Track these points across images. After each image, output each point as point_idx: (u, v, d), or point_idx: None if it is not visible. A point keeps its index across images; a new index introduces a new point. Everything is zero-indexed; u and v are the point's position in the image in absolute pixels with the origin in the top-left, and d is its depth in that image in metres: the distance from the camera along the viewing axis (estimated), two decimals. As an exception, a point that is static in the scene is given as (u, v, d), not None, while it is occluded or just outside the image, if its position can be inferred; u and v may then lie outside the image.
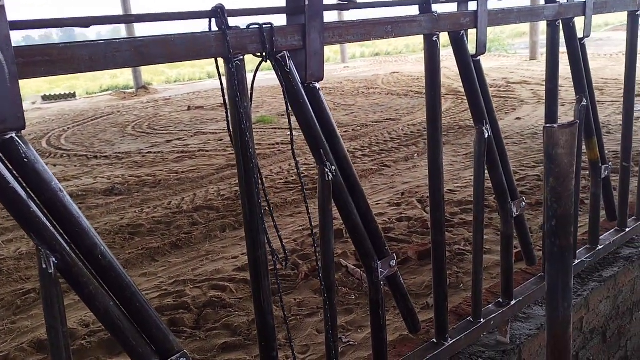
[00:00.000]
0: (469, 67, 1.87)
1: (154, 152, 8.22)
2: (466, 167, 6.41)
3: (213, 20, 1.25)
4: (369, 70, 17.67)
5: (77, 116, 12.59)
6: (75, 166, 7.83)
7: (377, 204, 5.74)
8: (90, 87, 17.65)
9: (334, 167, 1.52)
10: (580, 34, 2.29)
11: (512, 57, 18.76)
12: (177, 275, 4.29)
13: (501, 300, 2.20)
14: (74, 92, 16.14)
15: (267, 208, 1.42)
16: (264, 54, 1.34)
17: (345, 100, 12.47)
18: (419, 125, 9.15)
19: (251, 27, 1.32)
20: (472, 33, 1.91)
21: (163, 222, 5.36)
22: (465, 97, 8.24)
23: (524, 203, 2.16)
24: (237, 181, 6.30)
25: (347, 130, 9.19)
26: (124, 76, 18.97)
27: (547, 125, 0.83)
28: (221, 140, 8.78)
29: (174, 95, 14.73)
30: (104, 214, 5.67)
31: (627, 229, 2.78)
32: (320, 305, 3.52)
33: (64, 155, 8.60)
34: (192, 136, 9.31)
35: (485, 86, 1.94)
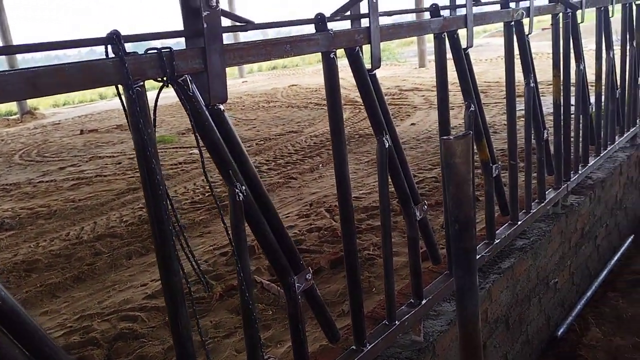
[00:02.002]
0: (366, 82, 1.95)
1: (46, 181, 7.74)
2: (369, 174, 6.62)
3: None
4: (268, 84, 17.75)
5: (-47, 148, 11.60)
6: (-44, 203, 7.21)
7: (287, 216, 5.77)
8: (-33, 116, 16.31)
9: (244, 187, 1.52)
10: (464, 44, 2.45)
11: (403, 65, 19.63)
12: (82, 310, 4.06)
13: (412, 301, 2.30)
14: (-52, 122, 14.83)
15: (180, 234, 1.40)
16: (165, 78, 1.32)
17: (247, 115, 12.45)
18: (321, 136, 9.32)
19: (150, 52, 1.30)
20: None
21: (62, 255, 5.06)
22: (361, 107, 8.54)
23: (425, 206, 2.28)
24: (140, 205, 6.06)
25: (251, 145, 9.17)
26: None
27: (444, 137, 0.89)
28: (119, 163, 8.43)
29: (64, 119, 13.96)
30: (-6, 252, 5.26)
31: (519, 222, 3.01)
32: (238, 325, 3.48)
33: (-58, 193, 7.89)
34: (87, 161, 8.88)
35: (382, 98, 2.03)
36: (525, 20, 2.89)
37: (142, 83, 1.27)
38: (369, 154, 7.86)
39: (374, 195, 5.74)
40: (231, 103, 14.18)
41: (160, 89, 1.35)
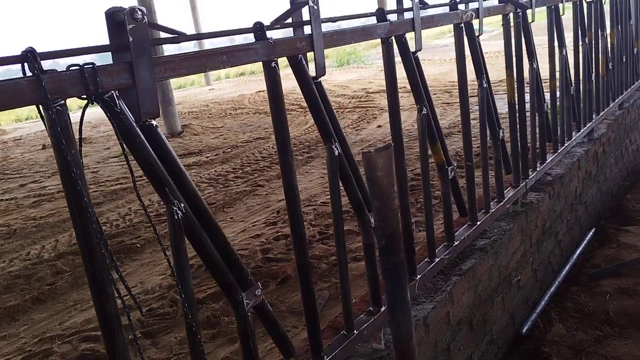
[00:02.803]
0: (311, 89, 1.92)
1: (6, 199, 7.54)
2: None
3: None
4: (235, 91, 17.64)
5: None
6: None
7: (254, 225, 5.71)
8: None
9: (182, 205, 1.47)
10: (413, 48, 2.44)
11: (369, 67, 19.72)
12: (43, 332, 3.94)
13: (371, 309, 2.27)
14: None
15: (109, 260, 1.34)
16: (89, 95, 1.27)
17: (214, 123, 12.33)
18: (288, 141, 9.27)
19: (71, 68, 1.24)
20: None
21: (22, 275, 4.92)
22: (339, 111, 8.49)
23: (380, 212, 2.25)
24: (103, 220, 5.87)
25: (218, 153, 9.08)
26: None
27: (365, 150, 0.86)
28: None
29: (26, 135, 13.63)
30: (-52, 276, 5.08)
31: (479, 222, 3.01)
32: (203, 340, 3.41)
33: None
34: (49, 177, 8.66)
35: (329, 105, 2.00)
36: (477, 21, 2.90)
37: (62, 102, 1.22)
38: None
39: (343, 199, 5.72)
40: (198, 112, 14.04)
41: (85, 107, 1.30)
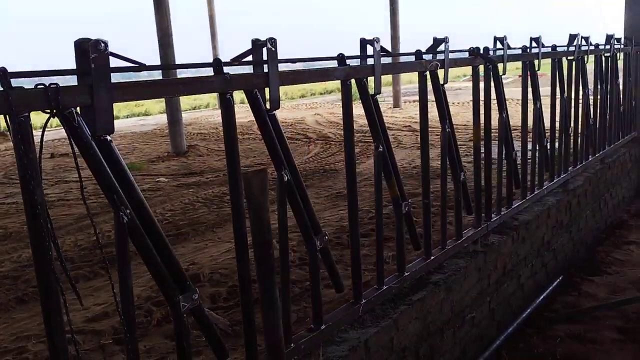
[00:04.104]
0: (265, 121, 2.15)
1: (7, 203, 7.80)
2: (326, 208, 6.79)
3: None
4: (246, 117, 17.97)
5: None
6: None
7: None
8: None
9: (128, 211, 1.69)
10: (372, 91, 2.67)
11: (382, 104, 20.05)
12: (21, 331, 4.12)
13: (312, 326, 2.45)
14: None
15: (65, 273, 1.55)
16: (52, 110, 1.50)
17: (220, 146, 12.61)
18: (287, 169, 9.51)
19: (39, 87, 1.48)
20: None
21: (10, 276, 5.12)
22: (333, 143, 8.78)
23: (326, 237, 2.45)
24: (99, 229, 6.11)
25: (218, 175, 9.32)
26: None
27: (244, 172, 1.07)
28: (85, 188, 8.52)
29: (37, 142, 14.02)
30: (-60, 272, 5.30)
31: (432, 257, 3.19)
32: (170, 350, 3.58)
33: None
34: (52, 185, 8.95)
35: (282, 136, 2.23)
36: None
37: (26, 114, 1.45)
38: (330, 188, 8.05)
39: (326, 228, 5.91)
40: (206, 133, 14.38)
41: (47, 120, 1.53)
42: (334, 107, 19.50)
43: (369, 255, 4.67)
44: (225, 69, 2.00)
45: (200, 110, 20.98)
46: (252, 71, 2.13)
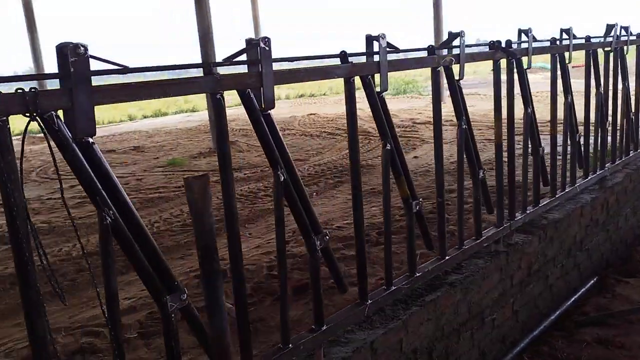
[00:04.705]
0: (259, 121, 2.13)
1: (55, 198, 8.11)
2: (358, 205, 6.73)
3: None
4: (288, 112, 18.10)
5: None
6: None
7: (269, 242, 5.92)
8: None
9: (111, 212, 1.71)
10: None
11: (425, 98, 19.75)
12: (52, 323, 4.27)
13: (314, 327, 2.43)
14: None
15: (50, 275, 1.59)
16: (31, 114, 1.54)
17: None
18: (324, 165, 9.52)
19: (18, 91, 1.52)
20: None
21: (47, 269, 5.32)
22: (372, 138, 8.71)
23: (327, 236, 2.43)
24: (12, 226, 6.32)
25: (255, 172, 9.40)
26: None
27: (185, 177, 1.06)
28: (127, 184, 8.77)
29: (88, 140, 14.53)
30: (-15, 265, 5.57)
31: (447, 257, 3.11)
32: (185, 347, 3.63)
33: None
34: (72, 187, 9.25)
35: (277, 135, 2.21)
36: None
37: (4, 118, 1.49)
38: (365, 184, 7.98)
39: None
40: (248, 129, 14.51)
41: (27, 123, 1.57)
42: (378, 101, 19.31)
43: (396, 252, 4.62)
44: (224, 69, 2.00)
45: (246, 106, 21.23)
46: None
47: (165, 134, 14.38)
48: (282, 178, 2.21)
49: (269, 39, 2.08)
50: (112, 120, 19.48)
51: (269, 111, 2.16)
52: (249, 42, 2.10)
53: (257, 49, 2.10)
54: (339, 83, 2.47)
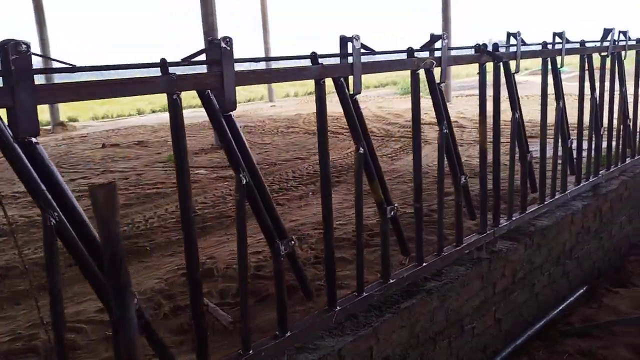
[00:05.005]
0: (219, 123, 2.09)
1: (85, 184, 8.18)
2: (352, 206, 6.69)
3: None
4: (294, 110, 18.08)
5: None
6: (-38, 206, 7.66)
7: (259, 241, 5.89)
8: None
9: (56, 214, 1.68)
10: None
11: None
12: (37, 318, 4.27)
13: (277, 333, 2.38)
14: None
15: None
16: (-31, 113, 1.51)
17: (263, 139, 12.70)
18: (324, 164, 9.45)
19: (-44, 90, 1.49)
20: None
21: (40, 264, 5.32)
22: (376, 138, 8.67)
23: (293, 241, 2.38)
24: (128, 221, 6.30)
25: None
26: (41, 113, 18.66)
27: (90, 185, 1.02)
28: (127, 179, 8.79)
29: (92, 132, 14.59)
30: (-25, 258, 5.58)
31: (425, 264, 3.05)
32: (172, 345, 3.61)
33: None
34: (98, 175, 9.27)
35: (239, 137, 2.17)
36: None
37: (-62, 117, 1.46)
38: (363, 184, 7.94)
39: (348, 227, 5.82)
40: (253, 126, 14.52)
41: (-34, 122, 1.54)
42: (384, 100, 19.25)
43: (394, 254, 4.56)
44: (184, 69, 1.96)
45: (254, 102, 21.27)
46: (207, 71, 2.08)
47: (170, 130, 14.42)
48: (245, 181, 2.17)
49: (230, 38, 2.04)
50: (120, 114, 19.59)
51: (231, 112, 2.12)
52: (210, 41, 2.06)
53: (218, 49, 2.06)
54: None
